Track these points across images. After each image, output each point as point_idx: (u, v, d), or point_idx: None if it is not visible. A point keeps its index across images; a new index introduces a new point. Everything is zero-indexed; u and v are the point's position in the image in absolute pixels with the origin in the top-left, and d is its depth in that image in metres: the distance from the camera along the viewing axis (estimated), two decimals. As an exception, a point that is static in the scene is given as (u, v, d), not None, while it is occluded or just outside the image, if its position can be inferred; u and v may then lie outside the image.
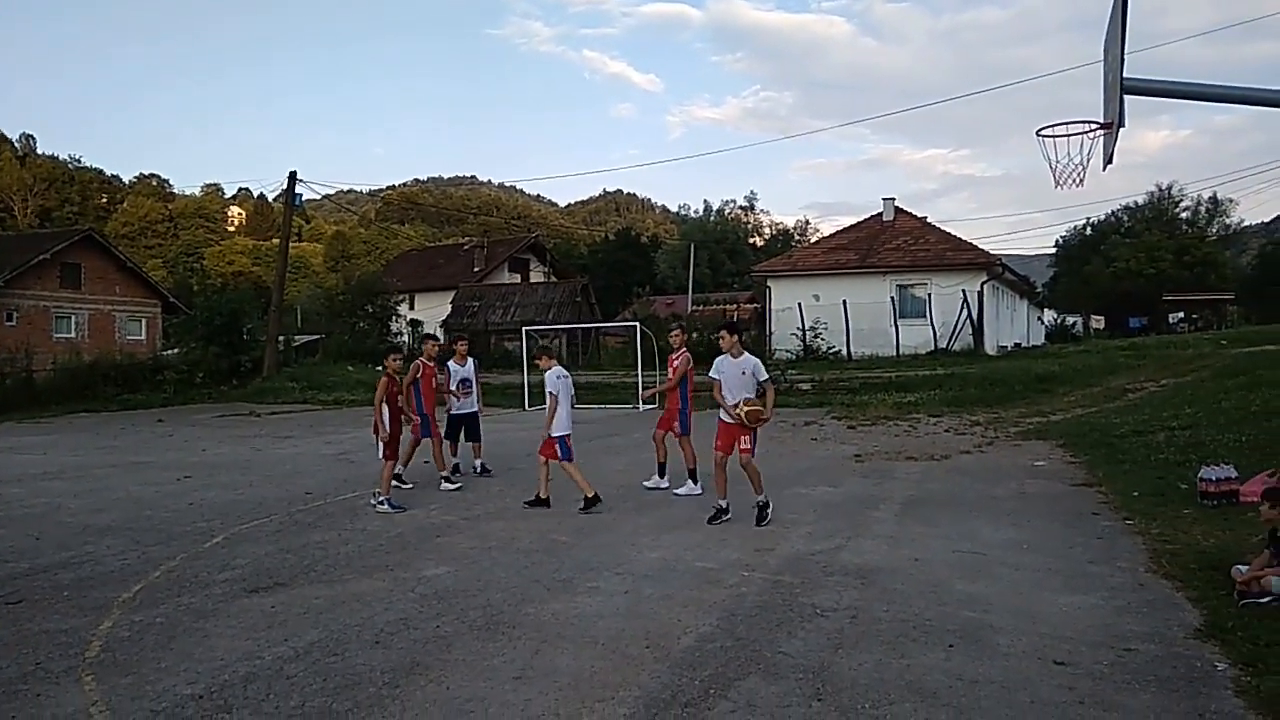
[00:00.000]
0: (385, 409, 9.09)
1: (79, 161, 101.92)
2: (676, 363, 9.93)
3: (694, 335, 32.57)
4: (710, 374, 8.23)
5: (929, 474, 10.68)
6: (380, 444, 9.13)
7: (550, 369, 8.95)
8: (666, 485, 9.86)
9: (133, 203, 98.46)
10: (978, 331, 29.46)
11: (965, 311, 29.45)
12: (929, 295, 30.11)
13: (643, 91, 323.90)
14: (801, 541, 7.27)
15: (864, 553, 6.87)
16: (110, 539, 7.92)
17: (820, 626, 5.12)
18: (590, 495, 8.59)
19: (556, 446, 8.74)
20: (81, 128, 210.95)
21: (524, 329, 26.15)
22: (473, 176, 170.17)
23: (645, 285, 55.40)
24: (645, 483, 10.02)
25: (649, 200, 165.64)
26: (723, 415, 8.12)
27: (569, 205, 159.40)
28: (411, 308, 47.45)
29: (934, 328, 29.66)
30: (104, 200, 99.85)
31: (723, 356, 8.20)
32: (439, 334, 40.31)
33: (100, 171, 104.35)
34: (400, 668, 4.57)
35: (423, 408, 10.57)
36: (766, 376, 8.07)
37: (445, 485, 10.19)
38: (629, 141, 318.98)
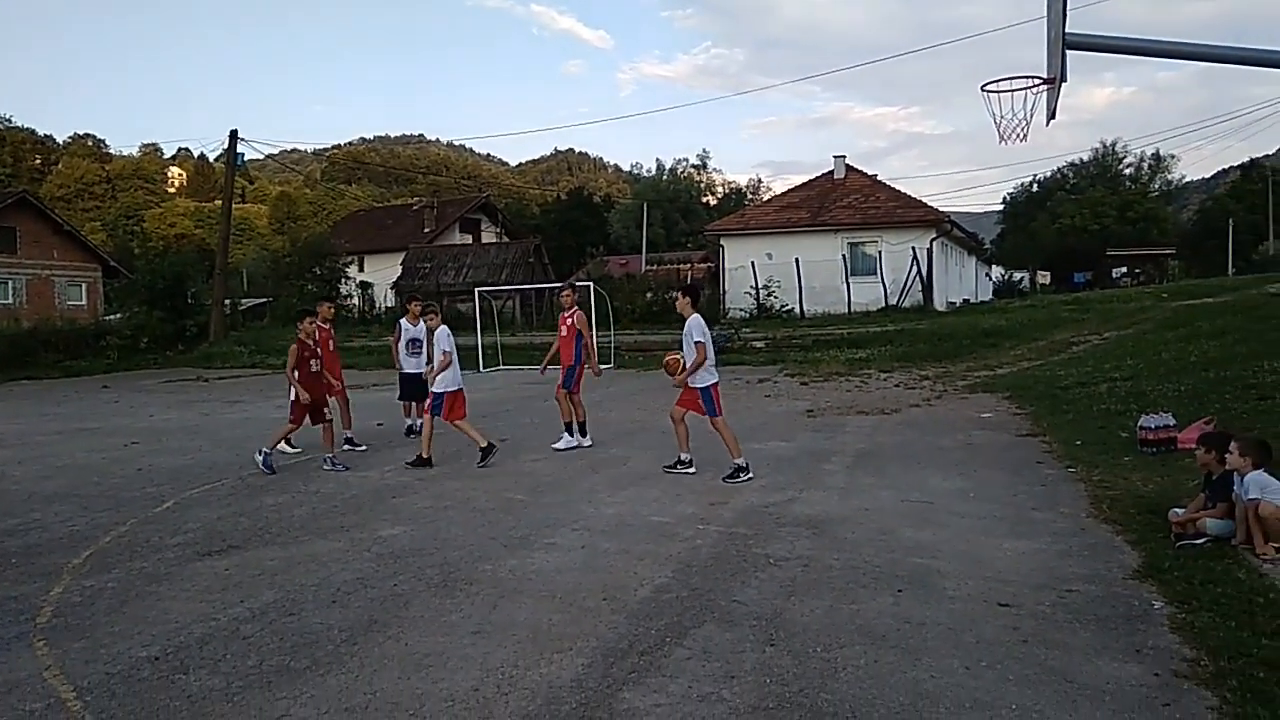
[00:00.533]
0: (296, 374, 9.11)
1: (9, 121, 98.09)
2: (569, 321, 10.20)
3: (648, 295, 32.68)
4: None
5: (879, 428, 10.87)
6: (294, 409, 9.21)
7: (440, 327, 9.32)
8: (590, 443, 10.10)
9: (68, 164, 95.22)
10: (927, 288, 29.84)
11: (915, 268, 29.78)
12: (880, 253, 30.39)
13: (593, 48, 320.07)
14: (755, 495, 7.39)
15: (816, 504, 7.01)
16: (58, 505, 7.78)
17: (773, 576, 5.23)
18: (484, 445, 9.03)
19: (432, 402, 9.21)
20: (12, 86, 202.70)
21: (477, 290, 25.94)
22: (420, 135, 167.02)
23: (599, 245, 55.10)
24: (554, 445, 10.07)
25: (601, 159, 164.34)
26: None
27: (520, 165, 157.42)
28: (361, 270, 46.72)
29: (884, 285, 29.98)
30: (38, 162, 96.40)
31: (694, 316, 8.21)
32: (385, 297, 39.89)
33: (33, 132, 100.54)
34: (358, 625, 4.59)
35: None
36: (698, 339, 8.04)
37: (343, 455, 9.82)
38: (580, 99, 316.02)
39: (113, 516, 7.31)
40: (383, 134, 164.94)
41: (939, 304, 30.05)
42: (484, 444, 9.04)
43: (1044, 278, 55.11)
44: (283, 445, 9.84)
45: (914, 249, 29.79)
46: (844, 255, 30.53)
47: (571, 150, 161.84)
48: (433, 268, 42.26)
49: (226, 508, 7.51)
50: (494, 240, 52.81)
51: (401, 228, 53.76)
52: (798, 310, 29.82)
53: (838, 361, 18.92)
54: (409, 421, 11.29)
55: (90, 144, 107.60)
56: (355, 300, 41.41)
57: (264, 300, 43.97)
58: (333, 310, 11.08)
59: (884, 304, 29.52)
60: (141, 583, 5.46)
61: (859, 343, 21.73)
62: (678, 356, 8.35)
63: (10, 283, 39.21)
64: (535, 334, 28.70)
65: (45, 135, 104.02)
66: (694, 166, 72.33)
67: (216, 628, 4.62)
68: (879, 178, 35.76)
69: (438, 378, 9.08)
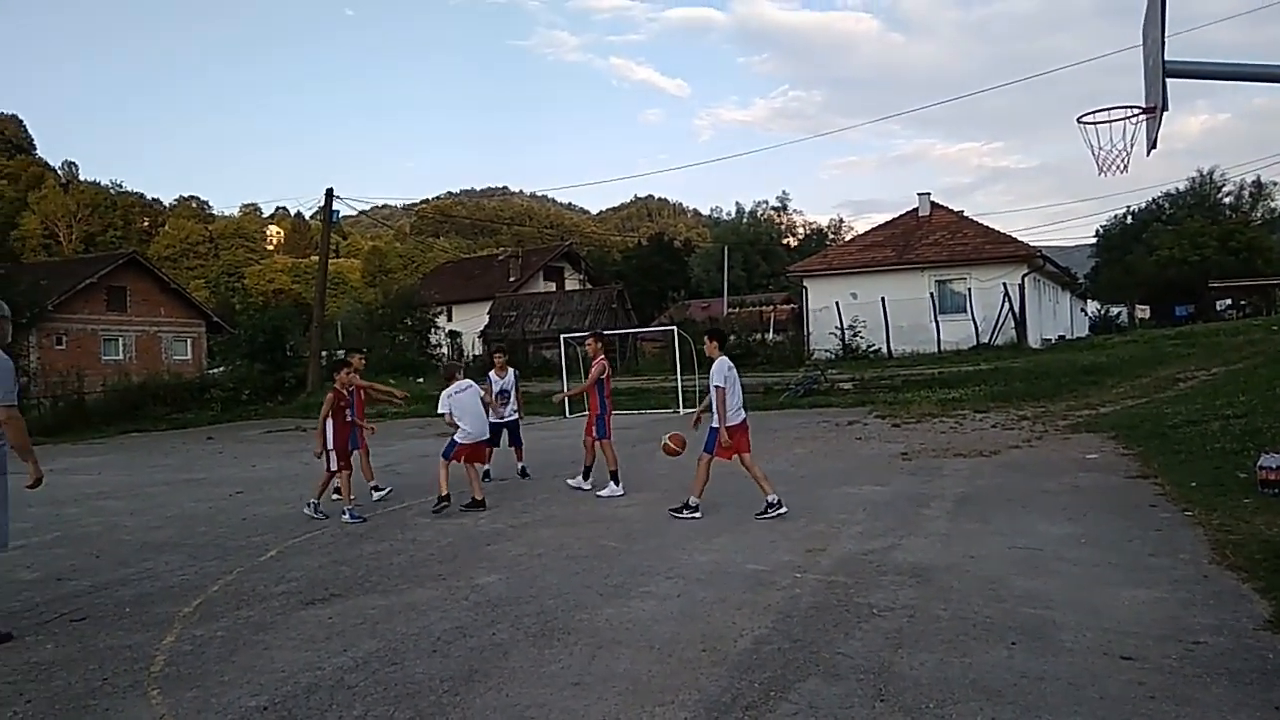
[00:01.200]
0: (330, 422, 9.43)
1: (120, 187, 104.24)
2: (595, 369, 10.38)
3: (731, 338, 32.57)
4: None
5: (978, 470, 10.54)
6: (329, 457, 9.48)
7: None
8: (589, 488, 10.29)
9: (174, 225, 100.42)
10: (1020, 325, 29.07)
11: (1007, 305, 29.08)
12: (969, 290, 29.78)
13: (670, 96, 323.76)
14: (853, 541, 7.21)
15: (917, 551, 6.80)
16: (168, 555, 8.06)
17: (878, 626, 5.07)
18: (443, 494, 9.29)
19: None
20: (122, 152, 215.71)
21: (562, 336, 26.26)
22: (504, 187, 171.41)
23: (680, 289, 55.40)
24: (569, 481, 10.58)
25: (680, 204, 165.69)
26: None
27: (601, 212, 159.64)
28: (449, 319, 47.83)
29: (975, 322, 29.33)
30: (146, 224, 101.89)
31: (719, 359, 8.53)
32: (472, 345, 40.63)
33: (141, 196, 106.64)
34: (459, 676, 4.60)
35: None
36: (716, 384, 8.33)
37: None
38: (658, 147, 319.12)
39: (220, 565, 7.53)
40: (468, 187, 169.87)
41: (1033, 341, 29.23)
42: (444, 493, 9.30)
43: (1143, 312, 53.14)
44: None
45: (1005, 285, 29.12)
46: (931, 293, 30.02)
47: (651, 196, 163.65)
48: (518, 316, 43.00)
49: (327, 556, 7.68)
50: (577, 287, 53.49)
51: (488, 277, 54.96)
52: (885, 350, 29.36)
53: (930, 402, 18.49)
54: (485, 467, 11.12)
55: (194, 205, 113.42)
56: (445, 349, 42.32)
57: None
58: (363, 361, 11.43)
59: (975, 342, 28.86)
60: (249, 631, 5.59)
61: (951, 382, 21.21)
62: (673, 447, 9.11)
63: (121, 339, 41.32)
64: (619, 379, 28.84)
65: (153, 198, 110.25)
66: (774, 209, 72.42)
67: (322, 677, 4.68)
68: (965, 214, 35.18)
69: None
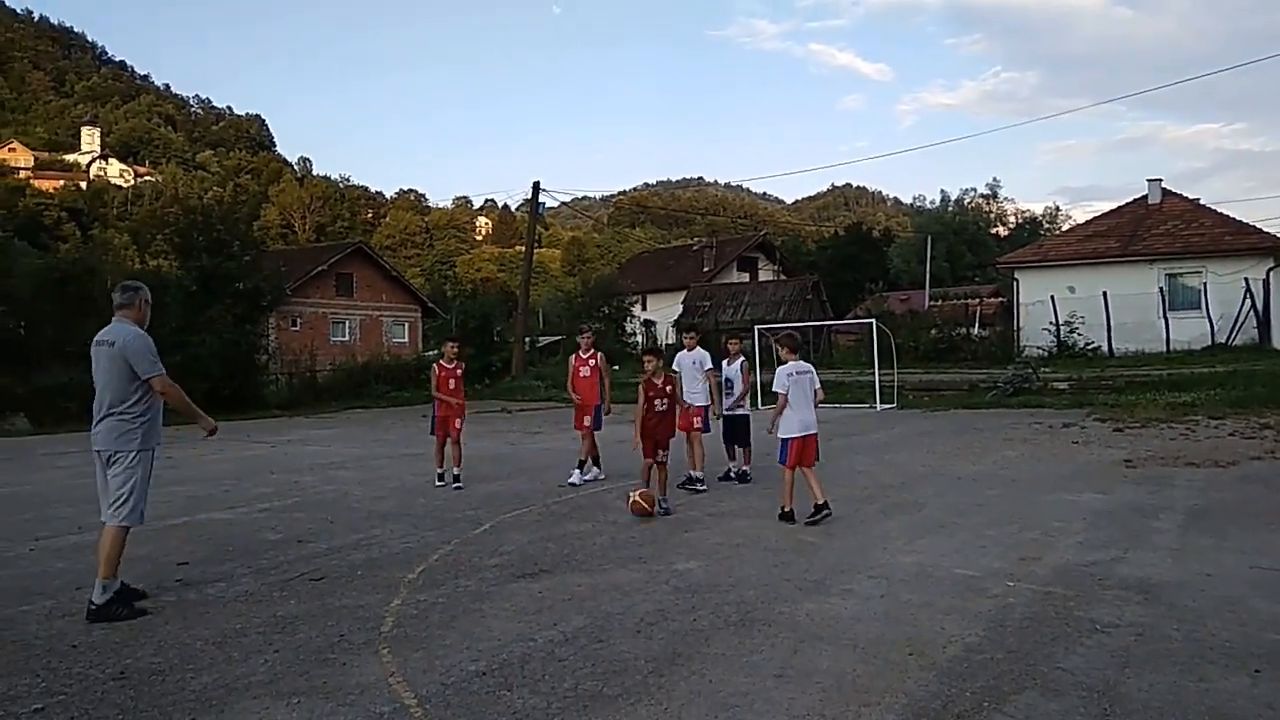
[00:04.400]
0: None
1: (348, 180, 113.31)
2: (593, 363, 11.01)
3: (933, 332, 31.35)
4: (775, 388, 8.10)
5: (1214, 481, 9.66)
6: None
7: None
8: (590, 477, 10.84)
9: (394, 216, 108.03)
10: (1264, 324, 26.29)
11: (1248, 302, 26.36)
12: (1203, 285, 27.25)
13: (871, 81, 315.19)
14: (1071, 551, 6.79)
15: (1145, 566, 6.31)
16: (392, 524, 8.70)
17: (1101, 643, 4.76)
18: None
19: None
20: (350, 149, 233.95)
21: (756, 327, 26.16)
22: (699, 178, 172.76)
23: (878, 281, 53.83)
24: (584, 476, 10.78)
25: (879, 193, 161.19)
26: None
27: (796, 202, 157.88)
28: (644, 308, 48.80)
29: (1211, 320, 26.78)
30: (370, 215, 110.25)
31: (782, 366, 8.16)
32: (665, 334, 41.25)
33: (366, 189, 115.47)
34: (662, 657, 4.70)
35: (434, 407, 11.25)
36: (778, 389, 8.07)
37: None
38: (858, 134, 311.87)
39: (438, 536, 8.05)
40: (664, 178, 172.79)
41: (1278, 342, 26.35)
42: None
43: None
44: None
45: (1246, 280, 26.42)
46: (1161, 288, 27.69)
47: (849, 185, 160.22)
48: (712, 305, 43.24)
49: (535, 533, 8.04)
50: (771, 278, 53.13)
51: (682, 268, 55.59)
52: (1105, 348, 27.34)
53: (1157, 406, 17.08)
54: (730, 466, 10.66)
55: (412, 198, 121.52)
56: (639, 338, 43.22)
57: (558, 338, 47.11)
58: (456, 349, 11.37)
59: (1210, 342, 26.37)
60: (466, 600, 5.94)
61: (1182, 385, 19.50)
62: (643, 505, 8.42)
63: (348, 322, 44.90)
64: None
65: (376, 191, 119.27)
66: (982, 196, 68.86)
67: (534, 648, 4.92)
68: (1201, 201, 32.16)
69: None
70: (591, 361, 11.02)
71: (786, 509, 8.08)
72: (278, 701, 4.23)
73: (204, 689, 4.42)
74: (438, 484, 10.92)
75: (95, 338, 5.97)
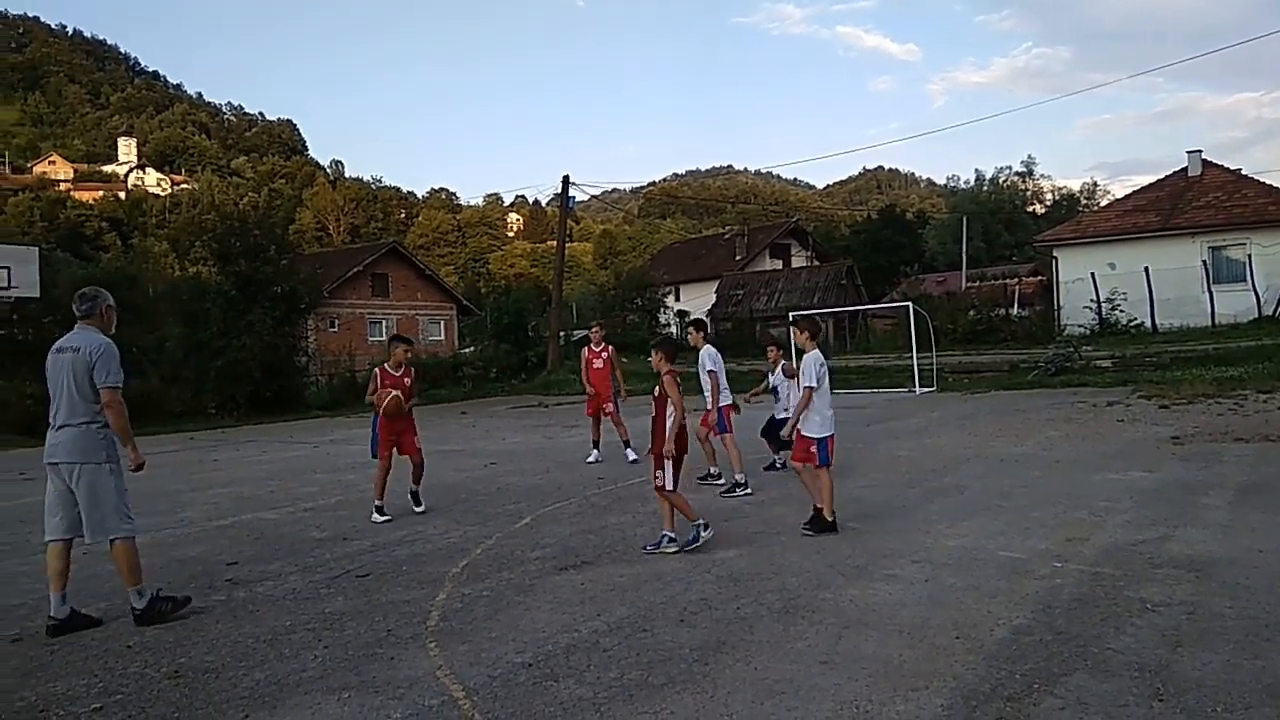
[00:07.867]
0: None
1: (380, 181, 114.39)
2: (605, 355, 11.88)
3: (971, 313, 30.98)
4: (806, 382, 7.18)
5: (1264, 457, 9.45)
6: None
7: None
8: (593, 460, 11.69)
9: (426, 215, 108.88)
10: (1314, 295, 25.66)
11: (1296, 272, 25.74)
12: (1248, 257, 26.63)
13: (900, 62, 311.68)
14: (1119, 530, 6.69)
15: (1194, 543, 6.20)
16: (435, 519, 8.79)
17: (1152, 623, 4.68)
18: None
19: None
20: (383, 150, 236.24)
21: (790, 314, 26.02)
22: (729, 166, 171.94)
23: (913, 263, 53.29)
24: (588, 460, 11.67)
25: (912, 174, 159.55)
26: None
27: (827, 187, 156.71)
28: (677, 299, 48.69)
29: (1257, 293, 26.19)
30: (402, 215, 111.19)
31: (809, 354, 7.21)
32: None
33: (398, 189, 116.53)
34: (707, 646, 4.70)
35: (374, 423, 9.36)
36: (807, 384, 7.15)
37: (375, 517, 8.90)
38: (888, 116, 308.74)
39: (480, 531, 8.11)
40: (693, 168, 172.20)
41: (1329, 313, 25.73)
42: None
43: None
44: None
45: (1294, 250, 25.77)
46: (1204, 261, 27.11)
47: (881, 168, 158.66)
48: (745, 294, 43.08)
49: (576, 525, 8.08)
50: (804, 264, 52.79)
51: (714, 257, 55.40)
52: (1148, 324, 26.86)
53: (1204, 381, 16.75)
54: (775, 458, 10.30)
55: (443, 197, 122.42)
56: (673, 329, 43.19)
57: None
58: (407, 351, 9.46)
59: (1257, 315, 25.79)
60: (510, 593, 5.99)
61: (1228, 359, 19.10)
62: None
63: (384, 321, 45.31)
64: (849, 357, 28.20)
65: (408, 191, 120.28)
66: (1018, 174, 67.72)
67: (579, 639, 4.94)
68: (1243, 172, 31.43)
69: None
70: (604, 354, 11.37)
71: (830, 518, 7.13)
72: (328, 696, 4.30)
73: (256, 686, 4.50)
74: (378, 518, 8.83)
75: (55, 345, 5.77)
